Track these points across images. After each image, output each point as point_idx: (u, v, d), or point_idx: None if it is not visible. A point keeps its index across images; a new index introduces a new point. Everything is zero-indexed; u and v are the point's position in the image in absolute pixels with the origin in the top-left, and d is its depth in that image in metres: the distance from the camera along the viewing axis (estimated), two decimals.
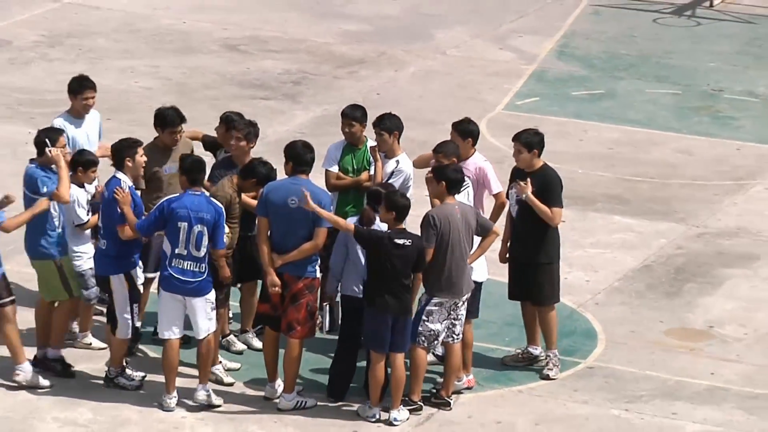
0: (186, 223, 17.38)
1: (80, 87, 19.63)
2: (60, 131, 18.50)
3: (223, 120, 18.97)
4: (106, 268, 17.86)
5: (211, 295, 17.75)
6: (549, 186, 18.16)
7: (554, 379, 18.43)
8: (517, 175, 18.27)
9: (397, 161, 18.57)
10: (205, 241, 17.55)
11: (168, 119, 19.11)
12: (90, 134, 19.44)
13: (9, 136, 21.97)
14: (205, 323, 17.64)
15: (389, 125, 18.67)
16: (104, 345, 18.42)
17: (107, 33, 27.17)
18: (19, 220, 17.77)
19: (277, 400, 17.79)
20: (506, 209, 18.58)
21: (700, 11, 29.10)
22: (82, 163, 18.09)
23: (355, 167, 18.75)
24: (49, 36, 26.98)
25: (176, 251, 17.44)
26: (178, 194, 17.64)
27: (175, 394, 17.55)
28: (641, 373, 18.74)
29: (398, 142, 18.73)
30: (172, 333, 17.59)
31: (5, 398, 17.66)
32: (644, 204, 22.23)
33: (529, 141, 18.25)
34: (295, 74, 25.91)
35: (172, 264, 17.47)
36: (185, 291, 17.57)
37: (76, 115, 19.51)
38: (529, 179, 18.07)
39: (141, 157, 18.13)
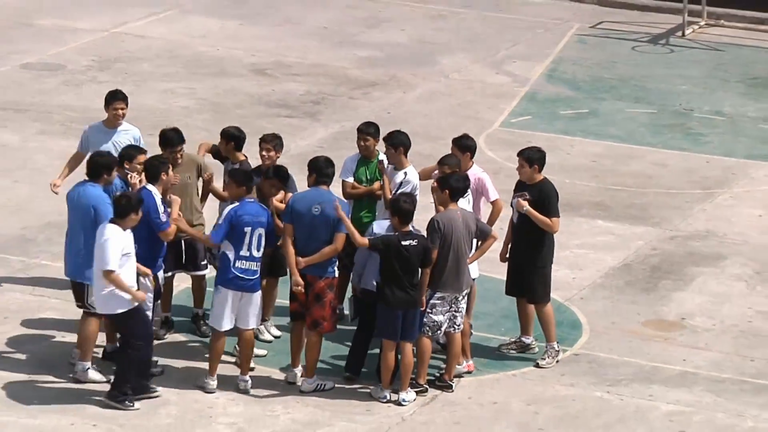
0: (250, 228, 17.42)
1: (112, 98, 19.64)
2: (139, 149, 18.53)
3: (224, 135, 18.96)
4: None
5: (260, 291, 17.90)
6: (546, 198, 18.15)
7: (546, 368, 18.51)
8: (519, 187, 18.30)
9: (405, 173, 18.57)
10: (263, 242, 17.65)
11: (168, 139, 19.00)
12: (118, 145, 19.22)
13: (62, 150, 21.96)
14: (255, 316, 17.74)
15: (397, 141, 18.67)
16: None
17: (150, 59, 27.19)
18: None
19: (299, 384, 17.88)
20: (509, 215, 18.66)
21: (673, 40, 29.08)
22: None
23: (368, 177, 18.77)
24: (99, 61, 27.01)
25: (240, 253, 17.39)
26: (238, 204, 17.56)
27: (215, 377, 17.65)
28: (621, 359, 18.76)
29: (405, 156, 18.75)
30: (227, 325, 17.59)
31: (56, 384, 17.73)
32: (624, 210, 22.25)
33: (531, 157, 18.26)
34: (315, 95, 25.93)
35: (236, 265, 17.43)
36: (246, 288, 17.57)
37: (109, 125, 19.51)
38: (526, 193, 18.15)
39: (172, 174, 18.20)
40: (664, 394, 18.08)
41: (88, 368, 17.71)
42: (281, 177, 17.94)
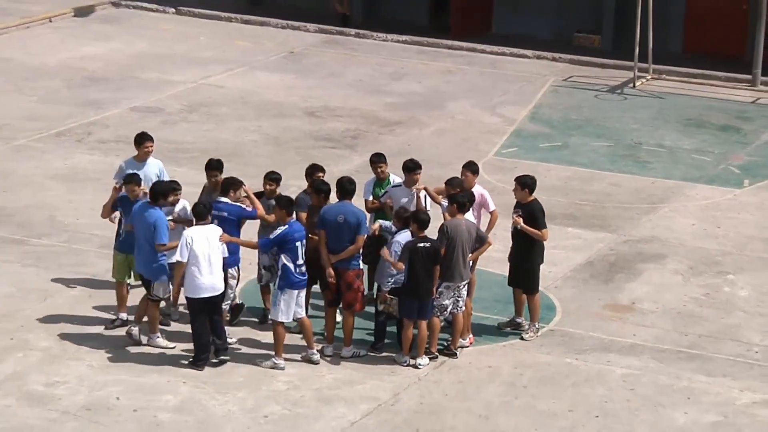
0: (300, 242, 17.40)
1: (141, 139, 19.26)
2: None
3: (269, 178, 18.44)
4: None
5: None
6: (534, 214, 18.17)
7: (529, 341, 18.47)
8: (516, 205, 18.34)
9: (425, 190, 18.62)
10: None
11: (209, 165, 18.82)
12: (148, 175, 18.89)
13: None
14: (304, 305, 17.77)
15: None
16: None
17: (227, 103, 27.21)
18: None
19: (329, 354, 17.89)
20: (505, 224, 18.69)
21: (626, 90, 28.99)
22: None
23: (381, 195, 18.80)
24: (188, 105, 27.04)
25: (297, 262, 17.29)
26: (287, 226, 17.33)
27: (282, 357, 17.57)
28: (586, 334, 18.70)
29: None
30: (291, 317, 17.52)
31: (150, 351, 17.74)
32: (588, 220, 22.20)
33: (525, 182, 18.28)
34: (352, 131, 25.91)
35: (296, 271, 17.30)
36: (302, 286, 17.57)
37: (139, 159, 19.11)
38: (519, 210, 18.16)
39: (241, 191, 18.09)
40: (618, 360, 18.05)
41: (158, 337, 17.82)
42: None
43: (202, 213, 17.39)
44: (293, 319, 17.59)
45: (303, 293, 17.65)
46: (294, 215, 17.50)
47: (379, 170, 18.91)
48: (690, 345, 18.56)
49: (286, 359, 17.58)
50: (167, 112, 26.56)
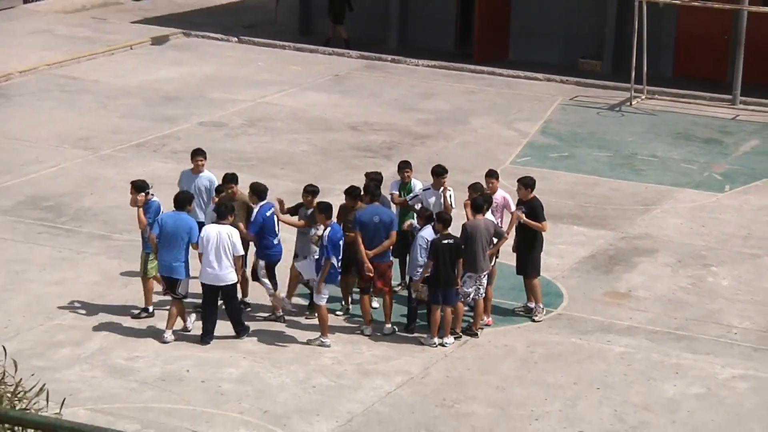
0: (342, 241, 17.45)
1: (194, 154, 19.15)
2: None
3: (308, 191, 18.16)
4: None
5: None
6: (535, 210, 18.30)
7: (539, 321, 18.44)
8: (518, 203, 18.45)
9: (451, 192, 18.64)
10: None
11: (225, 178, 18.54)
12: (198, 185, 18.74)
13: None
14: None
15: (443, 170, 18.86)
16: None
17: (281, 119, 27.28)
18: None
19: (368, 332, 17.97)
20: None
21: (624, 108, 28.92)
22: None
23: (403, 195, 18.78)
24: (248, 120, 27.13)
25: (339, 258, 17.36)
26: (330, 228, 17.27)
27: (328, 336, 17.62)
28: (589, 317, 18.68)
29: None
30: (325, 300, 17.56)
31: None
32: (591, 220, 22.17)
33: (526, 182, 18.48)
34: (388, 143, 25.95)
35: (337, 266, 17.43)
36: (337, 279, 17.73)
37: (194, 172, 18.98)
38: (522, 207, 18.25)
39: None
40: (617, 340, 18.03)
41: (190, 327, 17.75)
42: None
43: (223, 213, 17.36)
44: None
45: (336, 285, 17.81)
46: (331, 219, 17.53)
47: (405, 174, 18.97)
48: (678, 327, 18.53)
49: (333, 340, 17.68)
50: (230, 126, 26.65)
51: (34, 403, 9.19)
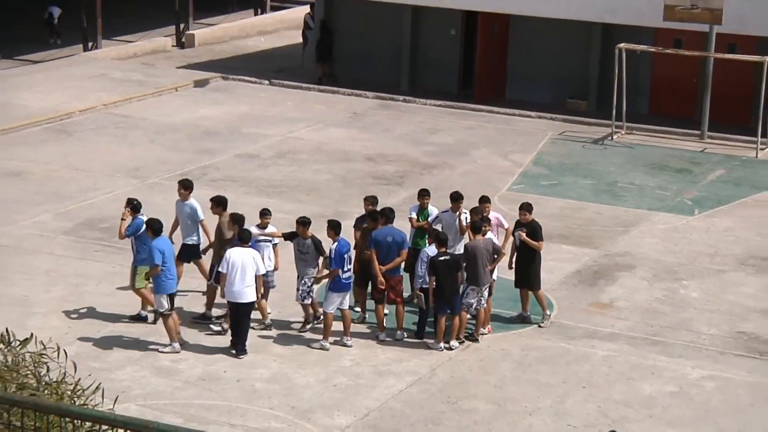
0: (348, 255, 17.43)
1: (179, 186, 19.09)
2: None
3: (301, 222, 17.86)
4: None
5: None
6: (535, 231, 18.39)
7: (543, 327, 18.44)
8: (518, 224, 18.50)
9: (466, 215, 18.63)
10: (352, 260, 17.59)
11: (213, 201, 18.52)
12: (184, 212, 18.73)
13: (256, 202, 22.10)
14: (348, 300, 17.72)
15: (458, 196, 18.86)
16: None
17: (307, 151, 27.33)
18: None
19: (383, 338, 17.91)
20: (512, 241, 18.70)
21: (606, 142, 28.91)
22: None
23: (421, 219, 18.78)
24: (278, 152, 27.18)
25: (344, 268, 17.34)
26: (337, 243, 17.26)
27: (329, 340, 17.54)
28: (576, 325, 18.65)
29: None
30: (336, 309, 17.50)
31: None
32: (577, 239, 22.16)
33: (527, 208, 18.56)
34: (401, 172, 25.97)
35: (344, 277, 17.39)
36: (347, 289, 17.63)
37: (182, 200, 18.89)
38: (524, 228, 18.30)
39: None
40: (600, 345, 18.00)
41: (168, 346, 17.26)
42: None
43: (246, 238, 17.24)
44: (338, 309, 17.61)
45: (348, 293, 17.64)
46: (339, 235, 17.49)
47: (424, 201, 18.97)
48: (654, 333, 18.49)
49: (353, 341, 17.67)
50: (262, 157, 26.70)
51: (91, 400, 9.19)
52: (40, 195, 23.38)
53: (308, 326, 18.05)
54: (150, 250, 17.16)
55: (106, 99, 30.61)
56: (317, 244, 17.70)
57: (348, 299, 17.89)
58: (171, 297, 17.24)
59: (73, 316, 18.34)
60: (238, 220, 17.81)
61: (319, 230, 18.50)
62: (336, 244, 17.36)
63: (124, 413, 8.08)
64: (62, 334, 17.36)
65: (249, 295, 17.07)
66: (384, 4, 32.61)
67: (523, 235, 18.25)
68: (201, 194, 23.76)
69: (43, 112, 29.16)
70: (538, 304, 18.57)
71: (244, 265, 16.96)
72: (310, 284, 17.82)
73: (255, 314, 17.69)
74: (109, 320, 18.18)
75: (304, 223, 17.85)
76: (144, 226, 17.54)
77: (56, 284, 19.31)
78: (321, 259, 17.79)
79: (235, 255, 17.02)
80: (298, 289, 17.90)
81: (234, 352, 17.18)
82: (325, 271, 17.65)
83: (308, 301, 17.94)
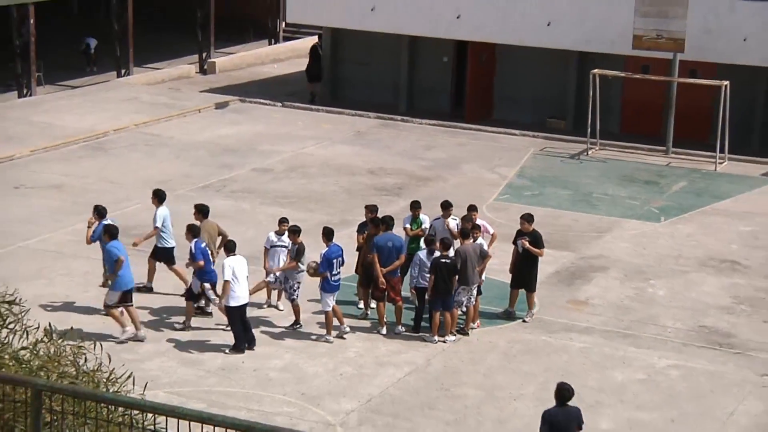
0: (337, 259, 17.36)
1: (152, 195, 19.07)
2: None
3: (292, 231, 17.71)
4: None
5: None
6: (537, 239, 18.36)
7: (527, 322, 18.41)
8: (519, 233, 18.42)
9: (456, 221, 18.63)
10: (342, 264, 17.43)
11: (195, 208, 18.49)
12: (156, 216, 18.71)
13: (273, 211, 22.12)
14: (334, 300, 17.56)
15: (448, 204, 18.93)
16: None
17: (316, 166, 27.31)
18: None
19: (384, 332, 17.83)
20: (504, 245, 18.67)
21: (582, 157, 28.91)
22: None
23: (414, 228, 18.79)
24: (290, 167, 27.17)
25: (334, 272, 17.25)
26: (327, 248, 17.19)
27: (332, 333, 17.54)
28: (555, 320, 18.64)
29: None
30: (331, 306, 17.42)
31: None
32: (557, 243, 22.11)
33: (528, 219, 18.49)
34: (399, 184, 25.95)
35: (334, 280, 17.29)
36: (336, 289, 17.50)
37: (156, 206, 18.84)
38: (527, 237, 18.26)
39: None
40: (577, 338, 17.99)
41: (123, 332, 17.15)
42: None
43: (232, 248, 17.08)
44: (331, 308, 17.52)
45: (336, 293, 17.47)
46: (332, 241, 17.45)
47: (416, 212, 18.96)
48: (625, 327, 18.48)
49: (356, 338, 17.61)
50: (275, 171, 26.70)
51: (124, 386, 9.20)
52: (79, 205, 23.38)
53: (297, 326, 17.93)
54: (107, 251, 17.08)
55: (137, 120, 30.62)
56: (298, 249, 17.65)
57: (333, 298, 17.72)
58: (126, 293, 17.12)
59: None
60: (193, 230, 17.71)
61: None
62: (327, 249, 17.34)
63: (153, 399, 8.07)
64: (98, 328, 17.37)
65: (247, 297, 17.04)
66: (384, 35, 32.64)
67: (526, 243, 18.22)
68: (221, 204, 23.88)
69: (82, 131, 29.18)
70: (526, 302, 18.56)
71: (242, 271, 16.92)
72: (294, 286, 17.78)
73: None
74: (140, 315, 18.15)
75: (294, 231, 17.81)
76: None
77: (93, 285, 19.29)
78: (288, 257, 17.73)
79: (234, 263, 16.89)
80: (285, 290, 17.91)
81: (227, 351, 16.96)
82: (299, 265, 17.63)
83: (296, 298, 17.82)
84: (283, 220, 18.36)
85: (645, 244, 22.42)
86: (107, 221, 17.97)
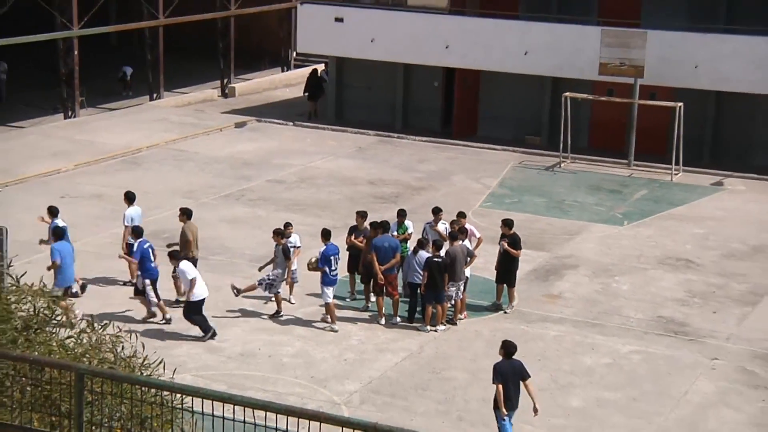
0: (334, 256, 17.34)
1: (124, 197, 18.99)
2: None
3: (276, 232, 17.62)
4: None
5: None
6: (515, 241, 18.31)
7: (508, 313, 18.38)
8: (502, 236, 18.35)
9: (446, 225, 18.61)
10: (338, 261, 17.42)
11: (181, 211, 18.33)
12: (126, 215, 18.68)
13: (286, 216, 21.99)
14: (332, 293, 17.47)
15: (437, 209, 18.92)
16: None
17: (323, 177, 27.28)
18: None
19: (382, 323, 17.78)
20: (489, 246, 18.62)
21: (556, 169, 28.88)
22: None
23: (400, 233, 18.75)
24: (300, 178, 27.14)
25: (333, 267, 17.24)
26: (325, 247, 17.15)
27: (336, 322, 17.47)
28: (532, 311, 18.63)
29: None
30: (331, 297, 17.39)
31: (259, 323, 17.63)
32: (534, 244, 22.09)
33: (508, 223, 18.45)
34: (395, 194, 25.92)
35: (332, 274, 17.28)
36: (334, 283, 17.47)
37: (127, 205, 18.84)
38: (506, 239, 18.22)
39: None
40: (551, 327, 17.99)
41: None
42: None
43: (176, 255, 17.04)
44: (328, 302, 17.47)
45: (334, 287, 17.44)
46: (329, 240, 17.44)
47: (400, 219, 18.94)
48: (593, 318, 18.48)
49: (358, 328, 17.58)
50: (288, 182, 26.69)
51: (156, 370, 9.21)
52: (116, 212, 23.32)
53: (278, 316, 17.79)
54: (51, 250, 16.88)
55: (167, 137, 30.60)
56: (285, 250, 17.65)
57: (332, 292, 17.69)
58: (67, 289, 17.00)
59: (141, 305, 18.32)
60: (136, 231, 17.65)
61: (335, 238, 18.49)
62: (324, 248, 17.35)
63: (181, 382, 8.09)
64: (133, 321, 17.37)
65: (206, 293, 16.82)
66: (382, 63, 32.65)
67: (505, 244, 18.23)
68: (240, 211, 23.88)
69: (119, 148, 29.18)
70: (507, 296, 18.53)
71: (197, 272, 16.92)
72: (271, 278, 17.64)
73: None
74: (169, 308, 18.14)
75: (277, 233, 17.81)
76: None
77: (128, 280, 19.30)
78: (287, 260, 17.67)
79: (190, 265, 16.81)
80: (263, 283, 17.73)
81: (204, 337, 16.79)
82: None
83: (273, 292, 17.69)
84: (288, 225, 18.39)
85: (610, 245, 22.42)
86: (58, 221, 17.68)
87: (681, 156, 28.13)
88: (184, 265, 16.76)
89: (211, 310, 17.99)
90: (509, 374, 13.38)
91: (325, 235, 17.57)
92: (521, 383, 13.43)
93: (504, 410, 13.28)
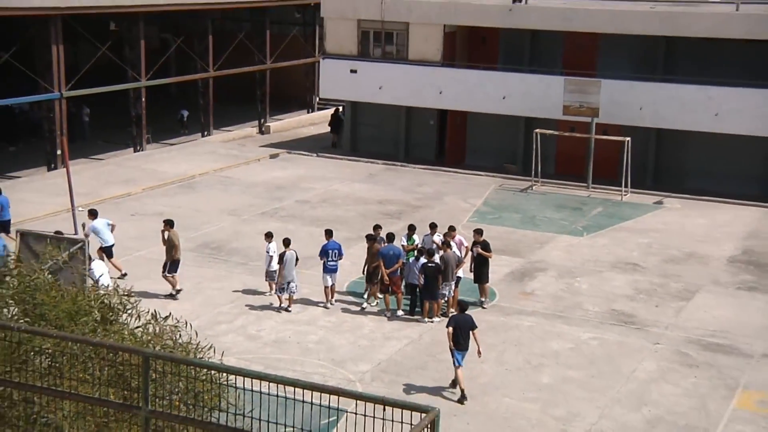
0: (331, 251, 17.35)
1: (88, 213, 19.06)
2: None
3: (264, 234, 17.93)
4: None
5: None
6: (486, 246, 18.25)
7: (486, 308, 18.30)
8: (475, 243, 18.30)
9: (440, 236, 18.57)
10: (337, 255, 17.44)
11: (165, 221, 18.43)
12: (92, 228, 18.72)
13: (308, 230, 22.03)
14: (334, 280, 17.55)
15: (434, 224, 18.86)
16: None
17: (340, 198, 27.22)
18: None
19: (388, 315, 17.74)
20: (470, 254, 18.58)
21: (529, 191, 28.87)
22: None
23: (409, 244, 18.73)
24: (322, 199, 27.11)
25: (329, 259, 17.31)
26: (327, 242, 17.30)
27: (330, 302, 17.49)
28: (510, 306, 18.56)
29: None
30: (330, 283, 17.39)
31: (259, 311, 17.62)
32: (511, 252, 22.09)
33: (479, 231, 18.44)
34: (399, 210, 25.88)
35: (329, 265, 17.34)
36: (332, 271, 17.48)
37: (91, 217, 18.90)
38: (479, 245, 18.13)
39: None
40: (525, 318, 17.92)
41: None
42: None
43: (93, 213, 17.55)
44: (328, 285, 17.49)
45: (334, 275, 17.44)
46: (332, 237, 17.48)
47: (410, 233, 18.92)
48: (560, 311, 18.43)
49: (369, 320, 17.52)
50: (312, 202, 26.67)
51: (207, 354, 9.25)
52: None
53: (283, 311, 17.75)
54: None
55: (215, 166, 30.65)
56: (280, 254, 17.75)
57: (334, 278, 17.70)
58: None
59: (196, 301, 18.35)
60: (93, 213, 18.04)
61: (346, 245, 18.43)
62: (325, 243, 17.61)
63: (227, 363, 8.13)
64: (189, 313, 17.42)
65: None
66: (388, 106, 32.78)
67: (479, 249, 18.21)
68: (274, 225, 23.80)
69: (177, 175, 29.26)
70: (483, 292, 18.44)
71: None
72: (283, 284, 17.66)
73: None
74: (217, 305, 18.21)
75: (267, 234, 17.94)
76: None
77: (185, 283, 19.30)
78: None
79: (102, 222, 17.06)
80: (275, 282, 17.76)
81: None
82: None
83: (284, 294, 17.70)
84: (269, 233, 18.30)
85: (573, 252, 22.37)
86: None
87: (629, 180, 28.13)
88: (98, 223, 17.12)
89: (249, 304, 18.02)
90: (460, 323, 14.35)
91: (328, 233, 17.82)
92: (471, 332, 14.36)
93: (453, 348, 14.36)
